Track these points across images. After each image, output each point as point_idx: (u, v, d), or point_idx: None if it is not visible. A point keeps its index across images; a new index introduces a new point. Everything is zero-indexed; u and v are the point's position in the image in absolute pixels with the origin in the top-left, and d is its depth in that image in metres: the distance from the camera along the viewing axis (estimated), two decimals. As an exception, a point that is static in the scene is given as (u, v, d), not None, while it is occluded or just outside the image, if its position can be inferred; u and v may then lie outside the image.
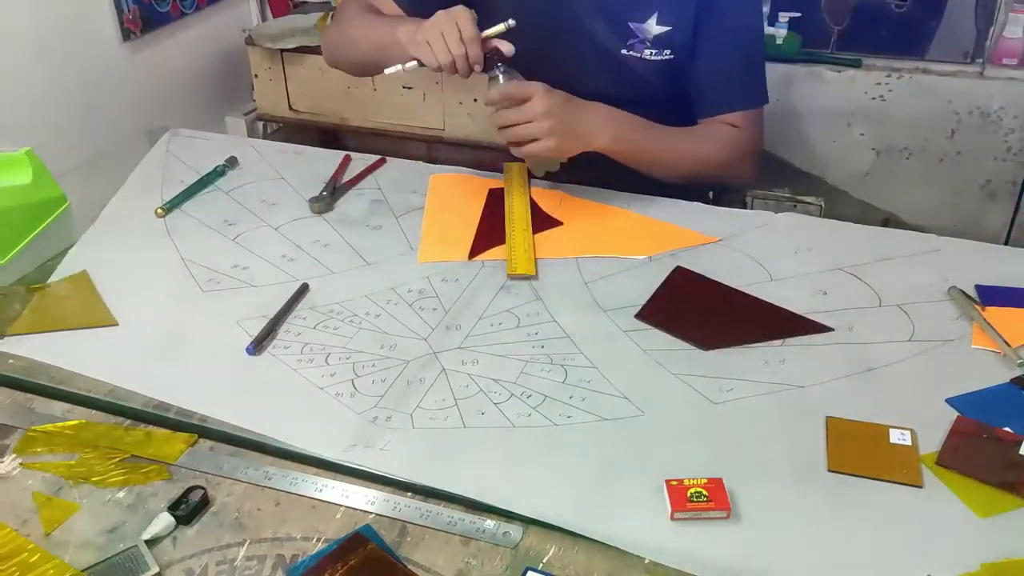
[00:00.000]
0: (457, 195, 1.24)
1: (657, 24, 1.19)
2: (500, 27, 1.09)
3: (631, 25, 1.20)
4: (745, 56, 1.25)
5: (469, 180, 1.28)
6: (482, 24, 1.09)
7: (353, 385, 0.88)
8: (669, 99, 1.26)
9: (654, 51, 1.21)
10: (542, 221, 1.17)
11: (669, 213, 1.19)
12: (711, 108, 1.25)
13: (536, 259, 1.08)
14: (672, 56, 1.21)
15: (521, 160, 1.18)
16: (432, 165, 1.33)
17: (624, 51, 1.22)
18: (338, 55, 1.34)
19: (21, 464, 0.80)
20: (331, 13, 2.24)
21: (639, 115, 1.22)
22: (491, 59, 1.11)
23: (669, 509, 0.72)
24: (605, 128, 1.16)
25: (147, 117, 2.06)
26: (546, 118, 1.09)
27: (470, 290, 1.03)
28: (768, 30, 1.93)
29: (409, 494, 0.76)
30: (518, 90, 1.10)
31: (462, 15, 1.08)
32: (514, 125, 1.10)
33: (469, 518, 0.73)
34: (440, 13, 1.09)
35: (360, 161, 1.34)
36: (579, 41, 1.23)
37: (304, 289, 1.03)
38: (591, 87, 1.23)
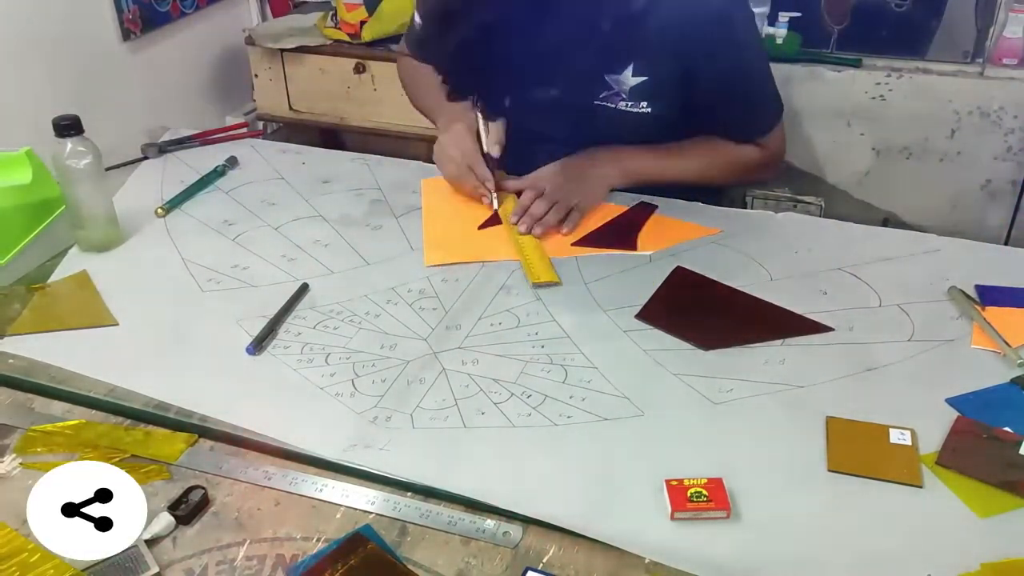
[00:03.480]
0: (454, 198, 1.23)
1: (633, 75, 1.16)
2: (492, 130, 1.20)
3: (607, 77, 1.17)
4: (755, 87, 1.22)
5: None
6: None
7: (353, 385, 0.88)
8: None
9: (630, 103, 1.18)
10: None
11: (669, 213, 1.19)
12: (735, 140, 1.25)
13: (552, 263, 1.07)
14: (649, 110, 1.18)
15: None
16: (432, 165, 1.33)
17: (597, 102, 1.19)
18: (409, 96, 1.48)
19: (21, 464, 0.80)
20: (331, 13, 2.24)
21: None
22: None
23: (669, 509, 0.72)
24: (611, 168, 1.20)
25: (147, 117, 2.06)
26: (561, 189, 1.15)
27: (470, 290, 1.03)
28: (768, 30, 1.93)
29: (409, 494, 0.76)
30: (523, 184, 1.18)
31: (462, 141, 1.20)
32: (544, 214, 1.14)
33: (469, 518, 0.73)
34: (444, 143, 1.22)
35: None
36: (552, 89, 1.20)
37: (304, 289, 1.03)
38: (564, 135, 1.23)
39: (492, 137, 1.20)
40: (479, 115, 1.20)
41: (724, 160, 1.25)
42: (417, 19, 1.36)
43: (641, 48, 1.14)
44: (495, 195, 1.18)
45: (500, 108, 1.25)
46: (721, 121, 1.24)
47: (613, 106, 1.18)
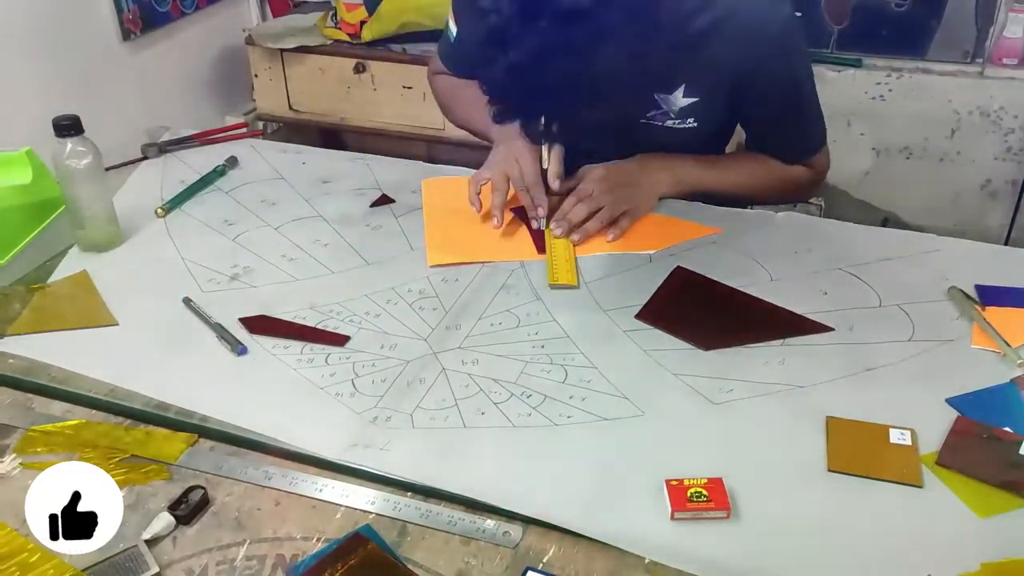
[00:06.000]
0: (455, 198, 1.23)
1: (684, 96, 1.15)
2: (554, 160, 1.14)
3: (656, 96, 1.16)
4: (804, 110, 1.21)
5: (463, 182, 1.27)
6: None
7: (353, 385, 0.88)
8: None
9: (678, 121, 1.17)
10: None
11: (669, 212, 1.19)
12: (784, 161, 1.24)
13: (578, 269, 1.06)
14: (696, 125, 1.18)
15: None
16: (432, 165, 1.33)
17: (643, 120, 1.18)
18: (447, 114, 1.44)
19: (21, 464, 0.80)
20: (331, 13, 2.24)
21: None
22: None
23: (669, 509, 0.72)
24: (663, 175, 1.18)
25: (147, 117, 2.06)
26: (608, 194, 1.12)
27: (470, 290, 1.03)
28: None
29: (409, 494, 0.76)
30: (570, 185, 1.14)
31: (525, 159, 1.14)
32: (589, 217, 1.12)
33: (469, 518, 0.73)
34: (505, 152, 1.16)
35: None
36: (600, 108, 1.18)
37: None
38: (608, 151, 1.21)
39: (553, 169, 1.16)
40: (543, 140, 1.15)
41: (773, 176, 1.24)
42: (452, 30, 1.33)
43: (694, 69, 1.13)
44: (543, 219, 1.14)
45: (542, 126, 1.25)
46: (771, 143, 1.24)
47: (660, 124, 1.18)
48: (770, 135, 1.23)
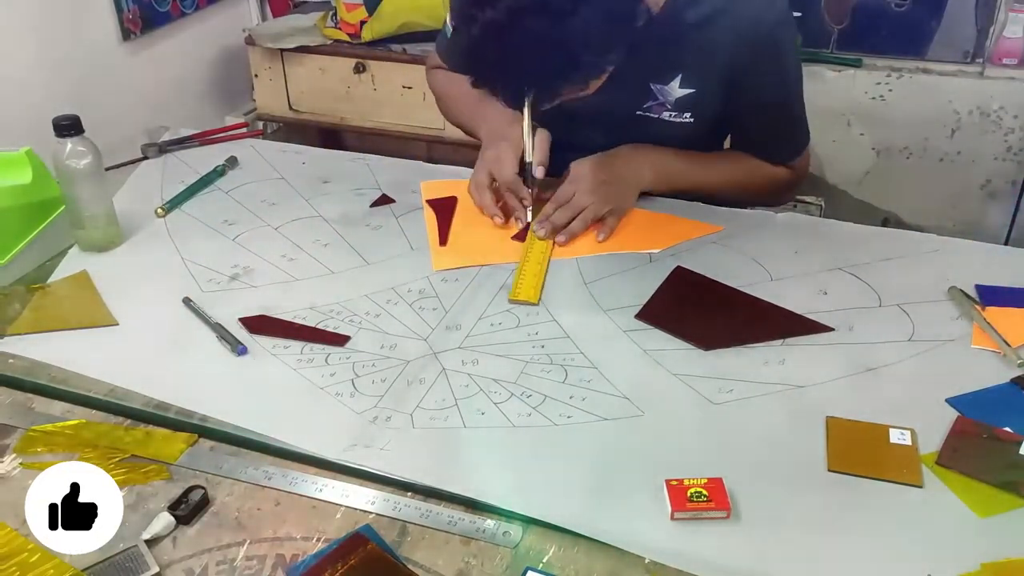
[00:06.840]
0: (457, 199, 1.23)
1: (680, 87, 1.14)
2: (539, 147, 1.14)
3: (653, 87, 1.15)
4: (792, 111, 1.21)
5: (462, 184, 1.27)
6: None
7: (353, 385, 0.88)
8: None
9: (674, 113, 1.16)
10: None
11: (670, 211, 1.19)
12: (767, 160, 1.24)
13: (543, 288, 1.04)
14: (692, 120, 1.17)
15: None
16: (432, 165, 1.33)
17: (639, 112, 1.17)
18: (442, 109, 1.43)
19: (21, 464, 0.80)
20: (331, 13, 2.24)
21: None
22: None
23: (669, 509, 0.72)
24: (645, 170, 1.18)
25: (147, 117, 2.06)
26: (591, 195, 1.12)
27: (470, 290, 1.03)
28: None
29: (409, 494, 0.76)
30: (558, 190, 1.14)
31: (507, 158, 1.15)
32: (573, 218, 1.12)
33: (469, 518, 0.73)
34: (489, 155, 1.18)
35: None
36: (596, 97, 1.13)
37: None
38: (603, 144, 1.21)
39: (538, 157, 1.15)
40: (525, 127, 1.14)
41: (755, 175, 1.24)
42: (449, 26, 1.31)
43: (691, 60, 1.13)
44: (531, 210, 1.14)
45: (540, 116, 1.23)
46: (757, 140, 1.23)
47: (656, 116, 1.17)
48: (756, 133, 1.23)
